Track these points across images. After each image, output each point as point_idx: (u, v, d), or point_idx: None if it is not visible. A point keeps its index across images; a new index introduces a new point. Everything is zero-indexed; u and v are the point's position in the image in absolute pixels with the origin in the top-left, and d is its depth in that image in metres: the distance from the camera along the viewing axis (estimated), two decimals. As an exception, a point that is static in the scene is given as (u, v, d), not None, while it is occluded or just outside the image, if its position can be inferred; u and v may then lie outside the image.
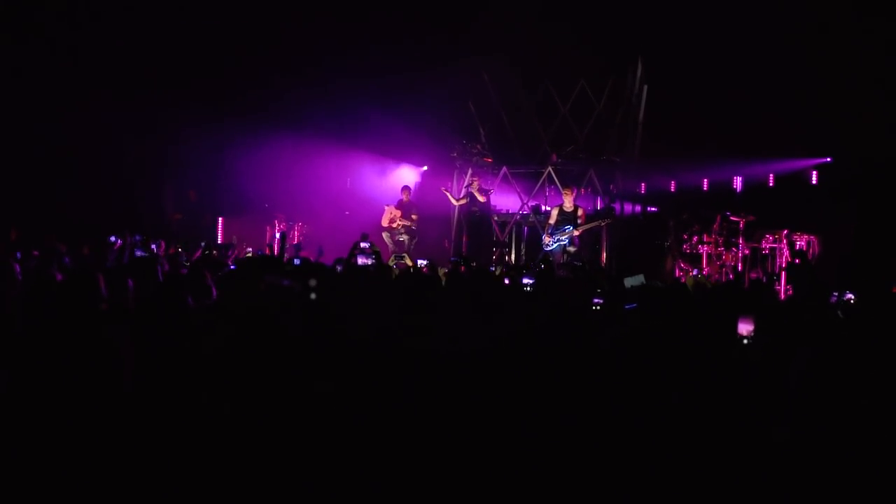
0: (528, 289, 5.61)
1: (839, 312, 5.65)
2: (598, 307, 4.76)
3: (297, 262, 7.10)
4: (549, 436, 3.67)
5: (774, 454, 2.78)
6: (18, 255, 7.80)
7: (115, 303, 4.78)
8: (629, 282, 4.98)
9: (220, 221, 13.79)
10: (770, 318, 3.94)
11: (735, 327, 3.99)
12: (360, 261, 6.12)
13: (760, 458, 2.84)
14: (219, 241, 13.05)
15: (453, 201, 13.74)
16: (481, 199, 13.22)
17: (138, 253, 7.29)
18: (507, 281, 7.69)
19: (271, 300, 3.47)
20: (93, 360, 3.61)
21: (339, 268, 6.09)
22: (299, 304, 3.45)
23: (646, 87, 13.45)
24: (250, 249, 11.21)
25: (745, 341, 3.92)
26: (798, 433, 2.72)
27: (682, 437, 3.27)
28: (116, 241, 8.52)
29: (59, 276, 4.76)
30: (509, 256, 13.71)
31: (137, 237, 8.44)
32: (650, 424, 3.42)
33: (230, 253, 10.56)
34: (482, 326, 5.17)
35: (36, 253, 7.94)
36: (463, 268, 9.15)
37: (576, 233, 11.98)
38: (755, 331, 3.82)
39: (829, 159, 13.63)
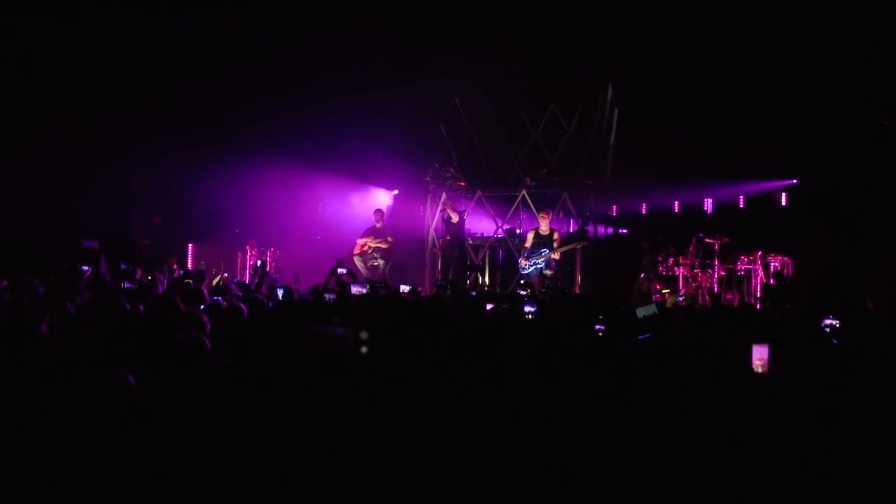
0: (531, 317, 5.53)
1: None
2: (601, 333, 4.70)
3: (279, 292, 6.96)
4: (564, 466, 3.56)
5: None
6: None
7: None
8: (641, 312, 4.92)
9: (189, 247, 13.49)
10: (784, 346, 3.90)
11: (747, 355, 3.95)
12: (355, 290, 5.98)
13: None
14: (188, 268, 12.74)
15: (454, 217, 13.30)
16: (455, 218, 13.12)
17: (127, 285, 7.03)
18: (489, 306, 7.61)
19: (325, 351, 3.34)
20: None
21: (328, 297, 5.95)
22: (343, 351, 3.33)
23: (616, 111, 13.55)
24: (225, 274, 10.96)
25: (759, 370, 3.87)
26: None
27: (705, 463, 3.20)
28: (87, 269, 8.23)
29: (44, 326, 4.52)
30: (483, 280, 13.62)
31: (123, 265, 8.17)
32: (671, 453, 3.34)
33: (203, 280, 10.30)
34: (474, 352, 5.08)
35: (5, 283, 7.63)
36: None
37: (554, 256, 11.97)
38: (770, 359, 3.78)
39: (795, 181, 13.86)
